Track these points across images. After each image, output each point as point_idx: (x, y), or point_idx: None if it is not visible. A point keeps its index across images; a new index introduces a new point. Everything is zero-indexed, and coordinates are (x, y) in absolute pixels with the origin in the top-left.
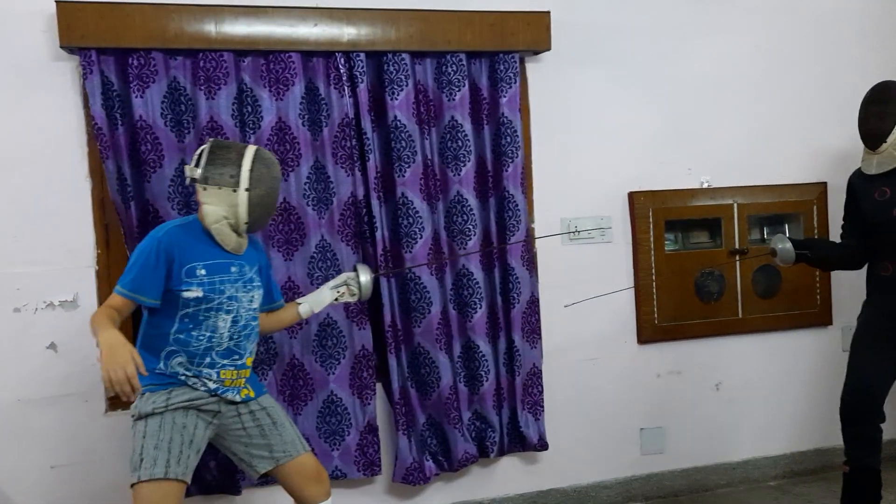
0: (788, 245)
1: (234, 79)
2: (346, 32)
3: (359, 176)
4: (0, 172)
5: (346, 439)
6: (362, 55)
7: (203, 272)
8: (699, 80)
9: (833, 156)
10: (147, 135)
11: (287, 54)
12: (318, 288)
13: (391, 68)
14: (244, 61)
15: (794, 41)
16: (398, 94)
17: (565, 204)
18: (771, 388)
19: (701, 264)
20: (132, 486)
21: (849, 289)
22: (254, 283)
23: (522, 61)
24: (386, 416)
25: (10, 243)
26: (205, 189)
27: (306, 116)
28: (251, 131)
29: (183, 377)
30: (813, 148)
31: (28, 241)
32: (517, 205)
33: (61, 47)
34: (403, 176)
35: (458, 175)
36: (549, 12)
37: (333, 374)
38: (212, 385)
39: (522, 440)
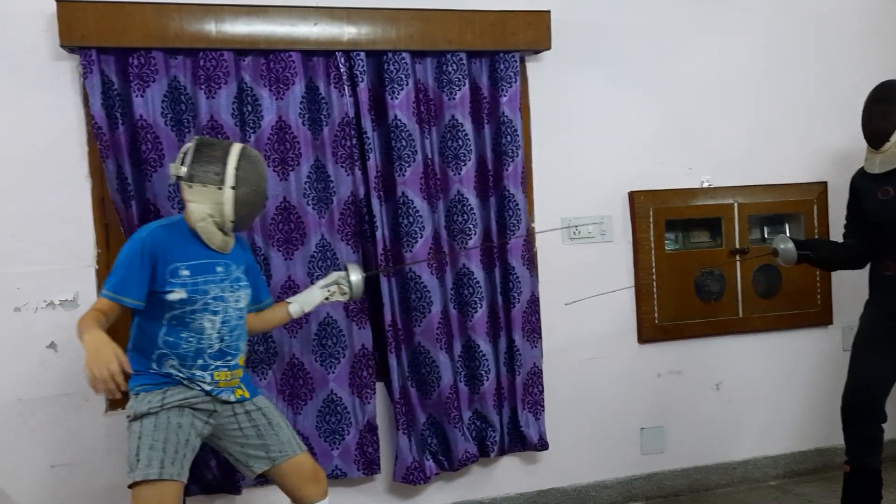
0: (791, 245)
1: (234, 78)
2: (347, 32)
3: (359, 175)
4: (1, 171)
5: (345, 438)
6: (363, 54)
7: (186, 273)
8: (699, 79)
9: (833, 155)
10: (147, 134)
11: (287, 53)
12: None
13: (391, 67)
14: (244, 60)
15: (794, 41)
16: (398, 94)
17: (565, 203)
18: (771, 388)
19: (701, 264)
20: (129, 487)
21: (849, 288)
22: (241, 283)
23: (523, 61)
24: (386, 416)
25: (10, 243)
26: (190, 187)
27: (306, 116)
28: (251, 131)
29: (178, 377)
30: (813, 147)
31: (28, 240)
32: (517, 204)
33: (61, 47)
34: (404, 175)
35: (459, 174)
36: (549, 12)
37: (333, 373)
38: (206, 387)
39: (523, 440)
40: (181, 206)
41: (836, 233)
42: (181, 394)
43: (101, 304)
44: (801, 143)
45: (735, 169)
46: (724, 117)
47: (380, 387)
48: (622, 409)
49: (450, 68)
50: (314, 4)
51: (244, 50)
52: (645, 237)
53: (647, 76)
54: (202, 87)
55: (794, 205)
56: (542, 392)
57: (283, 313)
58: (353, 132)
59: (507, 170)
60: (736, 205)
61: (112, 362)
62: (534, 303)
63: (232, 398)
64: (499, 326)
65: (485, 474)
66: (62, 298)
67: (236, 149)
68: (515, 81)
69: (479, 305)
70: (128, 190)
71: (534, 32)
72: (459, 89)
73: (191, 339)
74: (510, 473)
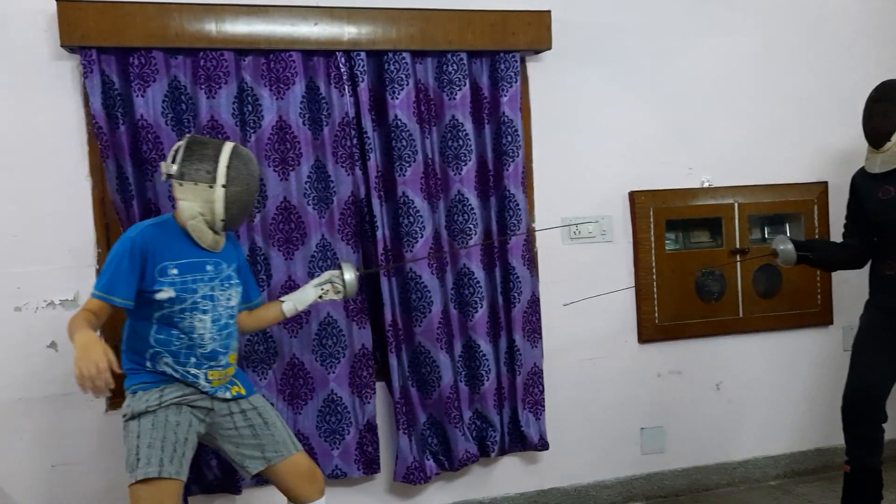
0: (790, 246)
1: (234, 78)
2: (347, 31)
3: (359, 175)
4: (1, 171)
5: (346, 438)
6: (363, 54)
7: (175, 271)
8: (699, 79)
9: (834, 155)
10: (148, 134)
11: (288, 53)
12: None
13: (392, 67)
14: (245, 60)
15: (794, 41)
16: (399, 94)
17: (566, 203)
18: (772, 388)
19: (702, 264)
20: (129, 486)
21: (850, 288)
22: (231, 281)
23: (523, 61)
24: (387, 416)
25: (10, 242)
26: (181, 185)
27: (307, 115)
28: (252, 130)
29: (173, 375)
30: (813, 147)
31: (29, 240)
32: (518, 204)
33: (62, 46)
34: (404, 175)
35: (459, 174)
36: (549, 12)
37: (333, 373)
38: (202, 386)
39: (523, 439)
40: None
41: (837, 233)
42: (178, 391)
43: (92, 304)
44: (801, 143)
45: (735, 169)
46: (724, 117)
47: (380, 386)
48: (622, 408)
49: (450, 68)
50: (314, 4)
51: (244, 50)
52: (645, 237)
53: (647, 76)
54: (202, 86)
55: (794, 205)
56: (542, 392)
57: (276, 312)
58: (353, 132)
59: (507, 170)
60: (736, 205)
61: (101, 360)
62: (534, 303)
63: (228, 395)
64: (499, 326)
65: (485, 474)
66: (62, 298)
67: (228, 147)
68: (516, 81)
69: (480, 305)
70: (128, 190)
71: (534, 32)
72: (460, 89)
73: (181, 338)
74: (510, 473)
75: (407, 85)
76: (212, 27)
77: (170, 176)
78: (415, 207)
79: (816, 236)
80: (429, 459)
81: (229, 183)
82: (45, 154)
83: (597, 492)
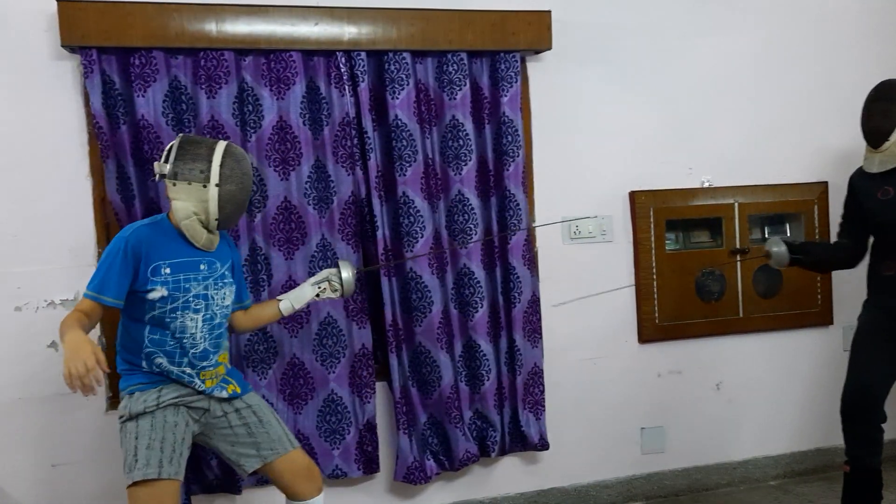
0: (783, 248)
1: (235, 78)
2: (348, 31)
3: (360, 175)
4: (1, 171)
5: (346, 438)
6: (363, 54)
7: (168, 271)
8: (699, 79)
9: (834, 155)
10: (149, 134)
11: (288, 53)
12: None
13: (392, 67)
14: (245, 60)
15: (794, 41)
16: (399, 94)
17: (566, 203)
18: (772, 388)
19: (702, 264)
20: (127, 488)
21: (850, 288)
22: (225, 280)
23: (523, 61)
24: (387, 416)
25: (11, 242)
26: (174, 185)
27: (307, 115)
28: (252, 130)
29: (169, 376)
30: (814, 147)
31: (29, 239)
32: (518, 204)
33: (62, 46)
34: (404, 175)
35: (460, 174)
36: (549, 12)
37: (333, 372)
38: (198, 386)
39: (523, 439)
40: None
41: (836, 232)
42: (176, 392)
43: (83, 304)
44: (801, 143)
45: (735, 169)
46: (725, 117)
47: (381, 386)
48: (622, 408)
49: (450, 68)
50: (315, 4)
51: (245, 50)
52: (645, 237)
53: (647, 76)
54: (203, 86)
55: (794, 205)
56: (542, 392)
57: (273, 310)
58: (353, 132)
59: (507, 170)
60: (736, 205)
61: (89, 358)
62: (534, 303)
63: (224, 394)
64: (499, 326)
65: (485, 474)
66: (63, 298)
67: (221, 146)
68: (516, 81)
69: (480, 305)
70: (130, 189)
71: (534, 32)
72: (460, 89)
73: (175, 338)
74: (511, 473)
75: (407, 85)
76: (212, 27)
77: (163, 176)
78: (415, 207)
79: (817, 236)
80: (429, 459)
81: (223, 182)
82: (46, 154)
83: (597, 491)
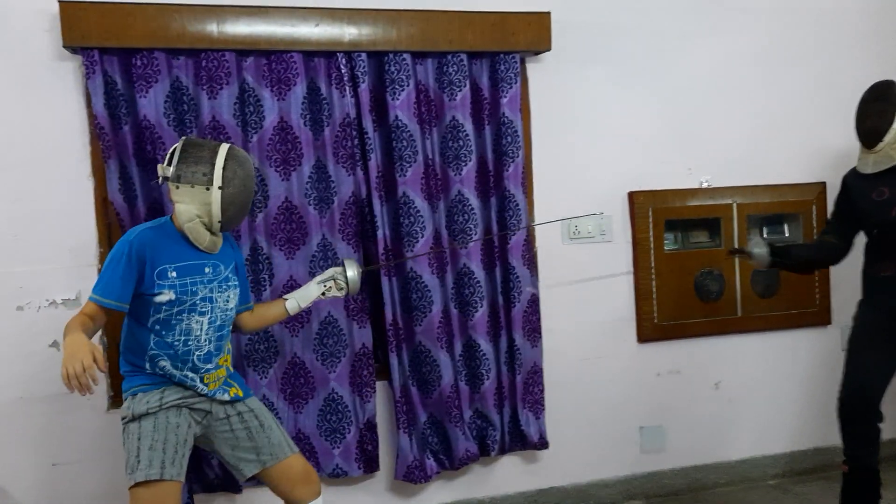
0: (764, 251)
1: (235, 78)
2: (348, 32)
3: (360, 175)
4: (3, 171)
5: (346, 437)
6: (364, 55)
7: (174, 274)
8: (699, 79)
9: (832, 156)
10: (151, 134)
11: (289, 54)
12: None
13: (392, 68)
14: (246, 61)
15: (794, 41)
16: (399, 94)
17: (566, 203)
18: (770, 388)
19: (701, 264)
20: (130, 488)
21: (848, 288)
22: (229, 283)
23: (523, 61)
24: (388, 415)
25: (12, 242)
26: (177, 188)
27: (308, 116)
28: (253, 131)
29: (172, 377)
30: (812, 148)
31: (31, 239)
32: (518, 204)
33: (64, 47)
34: (405, 175)
35: (460, 175)
36: (549, 12)
37: (334, 372)
38: (201, 389)
39: (523, 438)
40: None
41: None
42: (178, 393)
43: (88, 307)
44: (800, 143)
45: (734, 169)
46: (724, 117)
47: (381, 385)
48: (622, 408)
49: (450, 69)
50: (315, 5)
51: (246, 50)
52: (644, 237)
53: (647, 76)
54: (204, 87)
55: (793, 205)
56: (542, 391)
57: (280, 309)
58: (354, 132)
59: (507, 170)
60: (735, 205)
61: (86, 357)
62: (534, 302)
63: (227, 397)
64: (499, 326)
65: (485, 473)
66: (64, 297)
67: (224, 149)
68: (516, 82)
69: (480, 305)
70: (131, 190)
71: (534, 33)
72: (460, 90)
73: (179, 340)
74: (510, 472)
75: (407, 86)
76: (213, 28)
77: (166, 179)
78: (415, 207)
79: (815, 236)
80: (429, 458)
81: (226, 184)
82: (48, 154)
83: (596, 491)
